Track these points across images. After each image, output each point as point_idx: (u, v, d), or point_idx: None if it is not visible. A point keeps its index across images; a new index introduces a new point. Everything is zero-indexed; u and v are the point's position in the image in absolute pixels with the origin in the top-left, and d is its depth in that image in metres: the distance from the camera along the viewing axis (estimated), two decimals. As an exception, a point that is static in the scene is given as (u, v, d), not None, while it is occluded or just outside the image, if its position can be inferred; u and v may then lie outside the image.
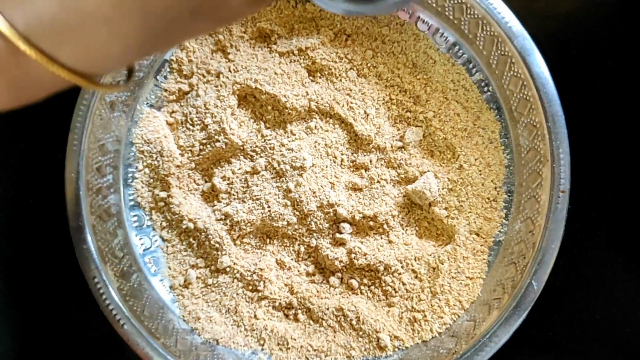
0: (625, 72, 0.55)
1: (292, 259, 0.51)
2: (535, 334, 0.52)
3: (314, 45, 0.53)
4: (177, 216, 0.50)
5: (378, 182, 0.51)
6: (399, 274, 0.49)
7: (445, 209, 0.50)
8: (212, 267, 0.50)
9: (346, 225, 0.50)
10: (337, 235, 0.50)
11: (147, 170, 0.52)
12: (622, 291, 0.52)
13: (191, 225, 0.50)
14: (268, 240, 0.51)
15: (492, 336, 0.45)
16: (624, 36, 0.56)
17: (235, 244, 0.50)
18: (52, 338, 0.53)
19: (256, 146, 0.51)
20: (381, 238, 0.50)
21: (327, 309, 0.48)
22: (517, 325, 0.45)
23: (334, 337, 0.48)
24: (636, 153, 0.54)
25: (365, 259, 0.49)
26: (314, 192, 0.49)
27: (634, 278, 0.53)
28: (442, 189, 0.50)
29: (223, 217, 0.50)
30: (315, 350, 0.48)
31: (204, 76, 0.53)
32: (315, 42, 0.53)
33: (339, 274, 0.50)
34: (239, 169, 0.51)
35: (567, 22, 0.56)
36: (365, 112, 0.52)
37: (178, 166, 0.51)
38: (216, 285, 0.50)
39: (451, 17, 0.51)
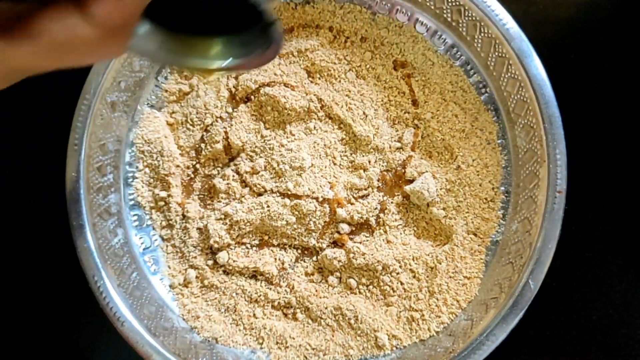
0: (622, 74, 0.56)
1: (291, 259, 0.51)
2: (532, 334, 0.52)
3: (314, 47, 0.53)
4: (177, 215, 0.51)
5: (376, 182, 0.51)
6: (397, 273, 0.49)
7: (443, 209, 0.51)
8: (212, 266, 0.50)
9: (345, 226, 0.50)
10: (336, 235, 0.50)
11: (147, 170, 0.52)
12: (619, 292, 0.53)
13: (191, 224, 0.50)
14: (267, 240, 0.51)
15: (489, 335, 0.45)
16: (620, 38, 0.56)
17: (234, 243, 0.51)
18: (52, 336, 0.53)
19: (256, 146, 0.51)
20: (379, 238, 0.50)
21: (326, 308, 0.48)
22: (514, 324, 0.45)
23: (333, 336, 0.48)
24: (634, 155, 0.55)
25: (364, 258, 0.49)
26: (313, 192, 0.50)
27: (631, 279, 0.53)
28: (440, 189, 0.51)
29: (222, 216, 0.50)
30: (313, 349, 0.48)
31: (204, 77, 0.53)
32: (314, 44, 0.53)
33: (338, 274, 0.50)
34: (239, 169, 0.51)
35: (564, 25, 0.57)
36: (364, 113, 0.52)
37: (178, 166, 0.52)
38: (215, 284, 0.50)
39: (449, 19, 0.52)
